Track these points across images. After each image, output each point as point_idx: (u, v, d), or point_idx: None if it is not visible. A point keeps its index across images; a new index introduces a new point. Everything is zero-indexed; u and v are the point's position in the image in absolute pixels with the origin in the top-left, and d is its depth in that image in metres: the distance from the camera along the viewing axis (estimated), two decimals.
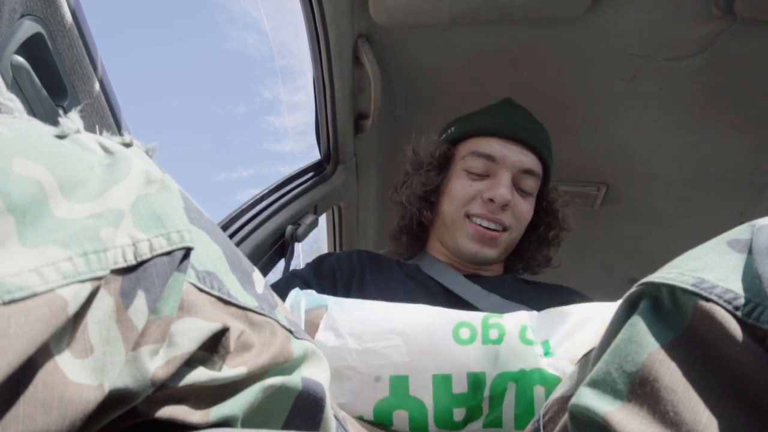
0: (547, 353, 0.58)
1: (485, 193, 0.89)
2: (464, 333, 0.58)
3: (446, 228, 0.94)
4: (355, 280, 0.90)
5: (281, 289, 0.84)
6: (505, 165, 0.90)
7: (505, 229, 0.91)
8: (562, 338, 0.59)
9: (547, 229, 1.00)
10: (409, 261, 1.00)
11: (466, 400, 0.57)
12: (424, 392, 0.57)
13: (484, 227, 0.89)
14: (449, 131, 1.01)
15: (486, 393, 0.57)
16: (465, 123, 0.99)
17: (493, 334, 0.58)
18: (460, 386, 0.57)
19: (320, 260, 0.95)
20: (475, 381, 0.57)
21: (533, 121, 0.97)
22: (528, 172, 0.92)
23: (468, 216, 0.91)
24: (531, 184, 0.93)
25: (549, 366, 0.57)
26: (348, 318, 0.60)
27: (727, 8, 1.03)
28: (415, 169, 0.99)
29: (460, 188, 0.92)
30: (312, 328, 0.61)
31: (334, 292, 0.87)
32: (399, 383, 0.57)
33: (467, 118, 1.00)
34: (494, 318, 0.60)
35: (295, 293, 0.65)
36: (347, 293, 0.86)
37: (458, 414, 0.57)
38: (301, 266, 1.02)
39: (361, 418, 0.59)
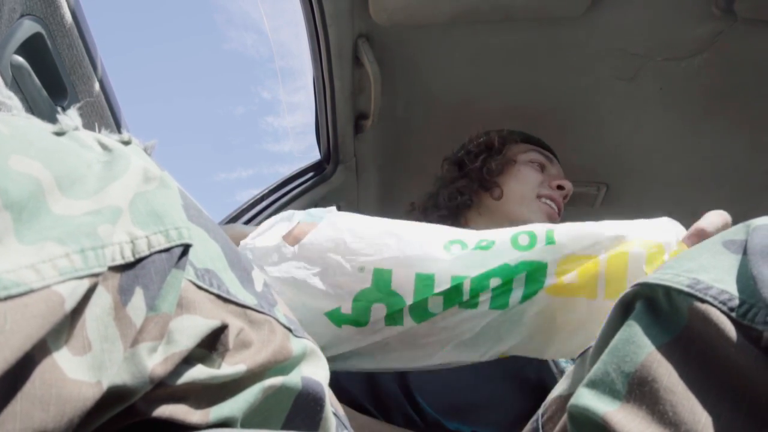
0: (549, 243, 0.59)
1: (554, 180, 1.04)
2: (455, 248, 0.60)
3: (515, 204, 1.04)
4: None
5: None
6: (556, 168, 1.09)
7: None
8: (566, 230, 0.61)
9: None
10: None
11: (445, 293, 0.59)
12: (405, 288, 0.58)
13: (552, 208, 1.03)
14: (503, 132, 1.11)
15: (466, 289, 0.58)
16: (517, 132, 1.12)
17: (482, 244, 0.60)
18: (441, 286, 0.58)
19: None
20: (457, 281, 0.58)
21: None
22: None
23: (539, 197, 1.03)
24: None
25: (538, 254, 0.58)
26: (348, 219, 0.63)
27: (727, 8, 1.03)
28: (484, 150, 1.09)
29: (530, 173, 1.06)
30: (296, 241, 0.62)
31: None
32: (382, 276, 0.59)
33: (514, 131, 1.13)
34: (486, 241, 0.61)
35: (291, 211, 0.67)
36: None
37: (433, 303, 0.58)
38: None
39: (338, 310, 0.59)
